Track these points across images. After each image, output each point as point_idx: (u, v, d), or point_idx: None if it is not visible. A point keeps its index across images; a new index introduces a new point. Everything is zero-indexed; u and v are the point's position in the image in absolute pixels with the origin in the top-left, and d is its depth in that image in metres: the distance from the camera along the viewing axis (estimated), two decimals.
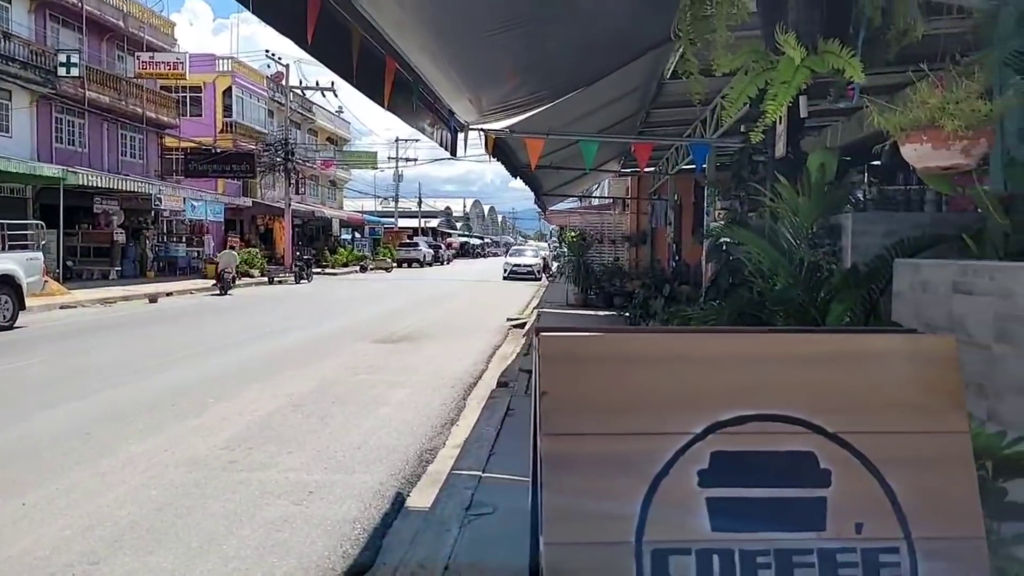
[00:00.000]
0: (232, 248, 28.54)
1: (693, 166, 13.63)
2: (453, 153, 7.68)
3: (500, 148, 9.22)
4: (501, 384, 8.85)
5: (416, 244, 52.13)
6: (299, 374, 9.56)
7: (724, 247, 7.41)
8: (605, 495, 1.34)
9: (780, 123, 7.22)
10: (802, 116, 4.91)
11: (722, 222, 9.50)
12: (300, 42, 3.43)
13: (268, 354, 11.26)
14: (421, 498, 5.17)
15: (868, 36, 3.92)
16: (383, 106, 4.81)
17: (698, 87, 3.89)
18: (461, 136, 7.64)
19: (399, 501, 5.14)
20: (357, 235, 52.64)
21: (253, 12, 3.03)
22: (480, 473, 5.44)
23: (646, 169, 17.25)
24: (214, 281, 23.71)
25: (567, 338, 1.40)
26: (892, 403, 1.38)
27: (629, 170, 18.34)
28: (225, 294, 22.98)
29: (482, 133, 8.07)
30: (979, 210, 4.64)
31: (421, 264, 49.39)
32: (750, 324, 4.20)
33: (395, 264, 46.33)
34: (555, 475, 1.34)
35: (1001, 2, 2.92)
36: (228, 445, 6.26)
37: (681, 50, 7.25)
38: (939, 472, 1.34)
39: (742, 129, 9.52)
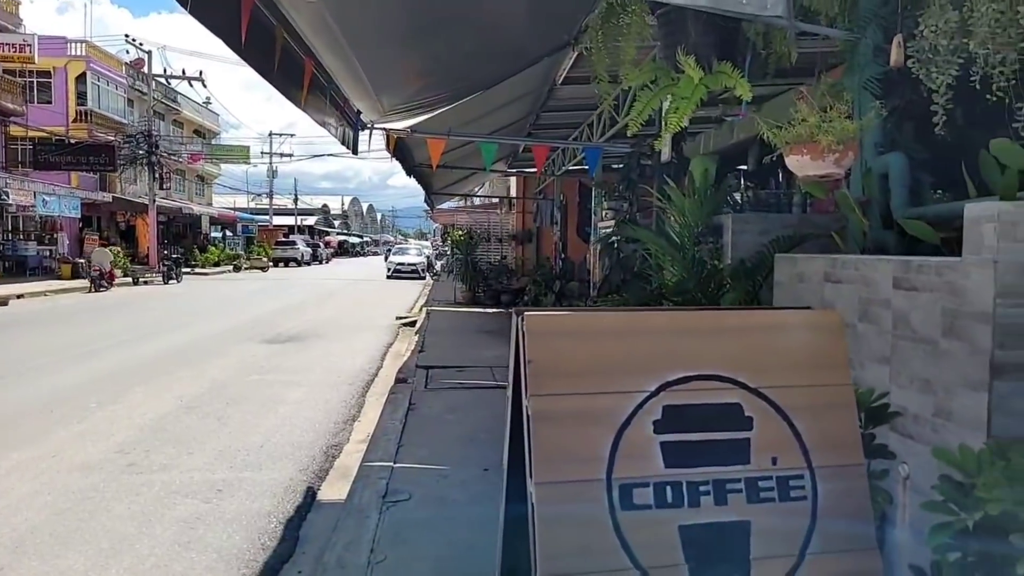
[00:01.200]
0: (103, 246, 26.71)
1: (578, 167, 14.31)
2: (354, 151, 7.75)
3: (398, 147, 9.35)
4: (400, 380, 8.98)
5: (293, 242, 50.38)
6: (187, 376, 9.24)
7: (615, 245, 7.94)
8: (581, 443, 1.63)
9: (665, 130, 7.86)
10: (684, 125, 5.44)
11: (610, 222, 10.12)
12: (233, 43, 3.48)
13: (149, 356, 10.75)
14: (333, 491, 5.29)
15: (751, 57, 4.47)
16: (299, 105, 4.88)
17: (607, 90, 4.26)
18: (363, 134, 7.72)
19: (311, 494, 5.23)
20: (229, 233, 50.31)
21: (190, 13, 3.08)
22: (392, 464, 5.61)
23: (532, 170, 17.82)
24: (88, 282, 22.93)
25: (548, 316, 1.69)
26: (796, 363, 1.76)
27: (515, 170, 18.83)
28: (99, 291, 22.46)
29: (384, 133, 8.17)
30: (839, 211, 5.34)
31: (299, 263, 47.70)
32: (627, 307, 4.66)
33: (271, 263, 44.52)
34: (541, 427, 1.61)
35: (860, 34, 3.47)
36: (122, 449, 6.05)
37: (573, 57, 7.73)
38: (831, 416, 1.73)
39: (628, 134, 10.18)
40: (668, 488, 1.64)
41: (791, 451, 1.71)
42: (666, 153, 7.80)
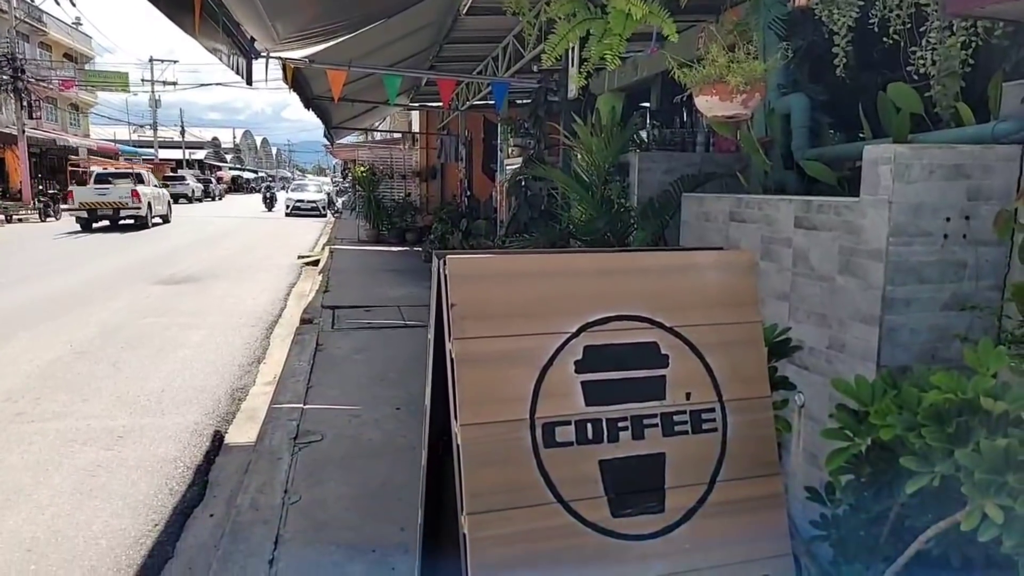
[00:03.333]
0: None
1: (483, 102, 14.08)
2: (248, 81, 7.29)
3: (295, 79, 8.87)
4: (305, 321, 8.78)
5: (182, 177, 47.48)
6: (74, 320, 8.69)
7: (523, 183, 7.92)
8: (504, 384, 1.64)
9: (572, 65, 7.80)
10: (616, 64, 5.44)
11: (517, 159, 10.07)
12: None
13: (31, 300, 10.00)
14: (241, 434, 5.18)
15: None
16: (191, 32, 4.51)
17: (529, 20, 4.14)
18: (257, 64, 7.27)
19: (218, 439, 5.10)
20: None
21: None
22: (301, 405, 5.53)
23: (436, 105, 17.38)
24: None
25: (469, 259, 1.66)
26: (709, 302, 1.83)
27: (417, 104, 18.31)
28: None
29: (280, 63, 7.71)
30: (741, 151, 5.51)
31: (190, 200, 44.92)
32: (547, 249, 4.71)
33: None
34: (465, 370, 1.61)
35: None
36: (9, 396, 5.69)
37: None
38: (741, 352, 1.82)
39: (534, 69, 10.05)
40: (589, 425, 1.69)
41: (703, 386, 1.78)
42: (573, 90, 7.76)
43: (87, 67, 46.27)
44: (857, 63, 3.43)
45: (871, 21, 3.02)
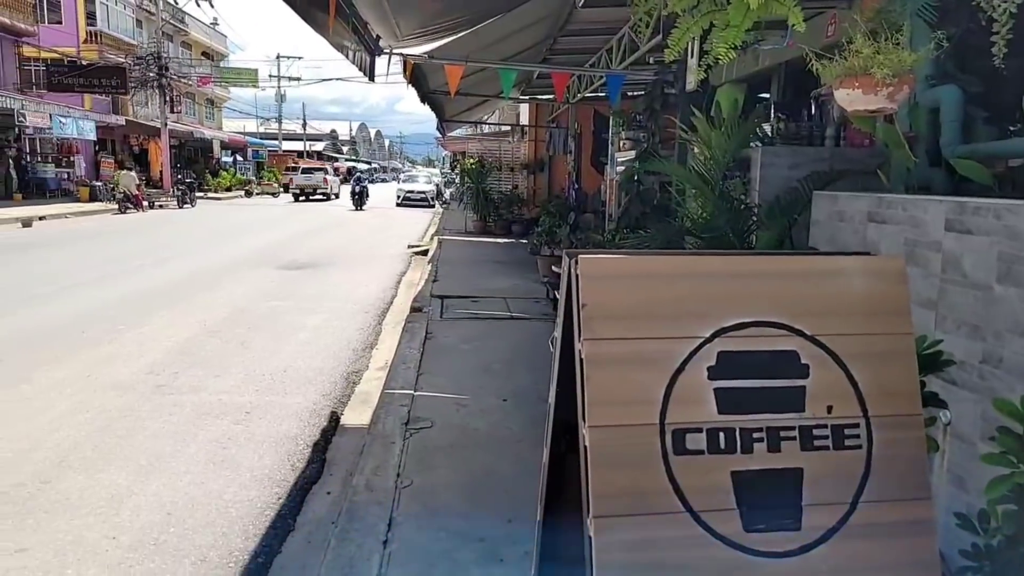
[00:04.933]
0: (123, 168, 26.74)
1: (594, 95, 13.93)
2: (371, 77, 7.53)
3: (414, 74, 9.09)
4: (415, 309, 9.01)
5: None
6: (208, 300, 9.32)
7: (636, 177, 7.78)
8: (634, 387, 1.60)
9: (691, 57, 7.56)
10: (732, 56, 5.24)
11: (629, 152, 9.91)
12: None
13: (170, 280, 10.84)
14: (356, 416, 5.38)
15: None
16: (324, 32, 4.71)
17: (648, 10, 4.04)
18: (379, 60, 7.49)
19: (335, 419, 5.32)
20: (239, 158, 49.82)
21: None
22: (412, 392, 5.68)
23: (545, 97, 17.37)
24: (116, 205, 23.68)
25: (602, 259, 1.63)
26: (854, 310, 1.71)
27: (527, 97, 18.34)
28: (125, 213, 23.30)
29: (401, 58, 7.92)
30: (874, 146, 5.18)
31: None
32: (678, 250, 4.58)
33: (293, 195, 41.42)
34: (594, 371, 1.59)
35: None
36: (152, 370, 6.17)
37: None
38: (890, 365, 1.69)
39: (650, 61, 9.84)
40: (721, 434, 1.62)
41: (847, 400, 1.68)
42: (692, 82, 7.54)
43: (222, 64, 49.35)
44: (1016, 49, 3.14)
45: None
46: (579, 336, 1.59)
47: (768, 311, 1.67)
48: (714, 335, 1.64)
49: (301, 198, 35.89)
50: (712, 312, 1.65)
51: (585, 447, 1.56)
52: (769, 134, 6.01)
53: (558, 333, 1.80)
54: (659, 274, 1.65)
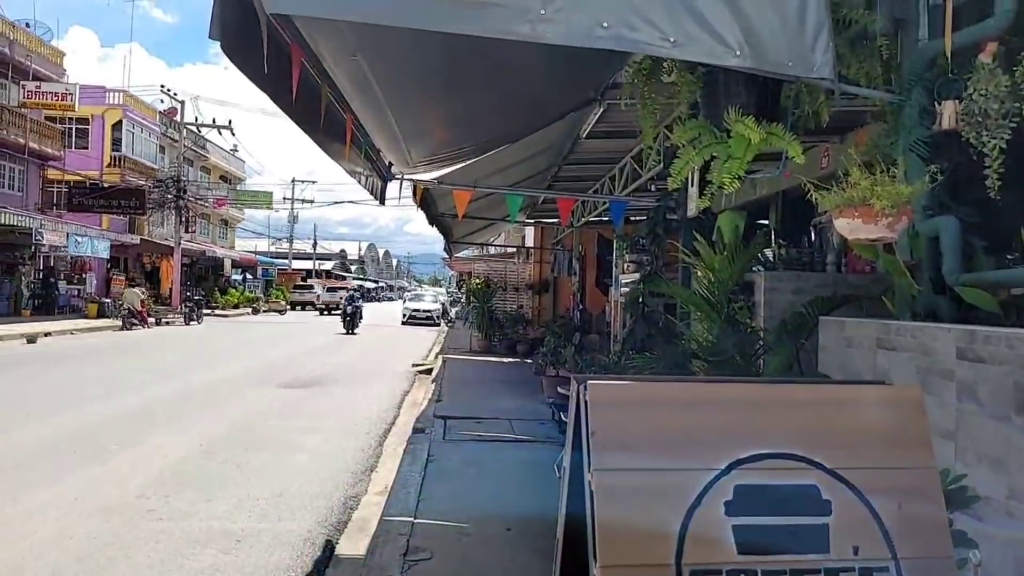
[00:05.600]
0: (130, 286, 27.23)
1: (597, 219, 14.33)
2: (381, 201, 7.79)
3: (423, 198, 9.40)
4: (417, 430, 8.82)
5: (311, 286, 50.78)
6: (206, 418, 9.18)
7: (640, 300, 7.84)
8: (648, 523, 1.52)
9: (692, 185, 7.82)
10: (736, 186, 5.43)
11: (633, 275, 10.05)
12: (285, 104, 3.53)
13: (169, 397, 10.72)
14: (352, 545, 5.12)
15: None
16: (340, 159, 4.92)
17: (651, 146, 4.23)
18: (391, 185, 7.77)
19: (329, 549, 5.07)
20: (249, 276, 50.74)
21: (252, 80, 3.12)
22: (411, 519, 5.45)
23: (551, 220, 17.87)
24: (120, 321, 24.05)
25: (612, 386, 1.60)
26: (874, 442, 1.65)
27: (533, 221, 18.86)
28: (130, 329, 23.45)
29: (411, 183, 8.22)
30: (874, 272, 5.23)
31: (315, 306, 47.84)
32: (682, 374, 4.54)
33: (288, 307, 44.78)
34: (605, 505, 1.51)
35: (906, 97, 3.42)
36: (142, 493, 5.96)
37: (599, 112, 7.77)
38: (916, 501, 1.62)
39: (651, 188, 10.18)
40: None
41: (873, 539, 1.58)
42: (693, 208, 7.76)
43: (239, 187, 51.30)
44: (1012, 183, 3.23)
45: None
46: (589, 466, 1.53)
47: (784, 442, 1.62)
48: (730, 467, 1.58)
49: (324, 312, 41.72)
50: (727, 442, 1.60)
51: None
52: (771, 259, 6.10)
53: (566, 462, 1.73)
54: (671, 401, 1.61)
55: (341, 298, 38.03)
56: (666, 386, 1.70)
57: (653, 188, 9.52)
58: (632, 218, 13.15)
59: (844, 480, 1.61)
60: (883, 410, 1.67)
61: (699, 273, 5.49)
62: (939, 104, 3.16)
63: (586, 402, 1.56)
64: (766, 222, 8.44)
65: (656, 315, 8.11)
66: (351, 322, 25.79)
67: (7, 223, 23.84)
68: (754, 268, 5.94)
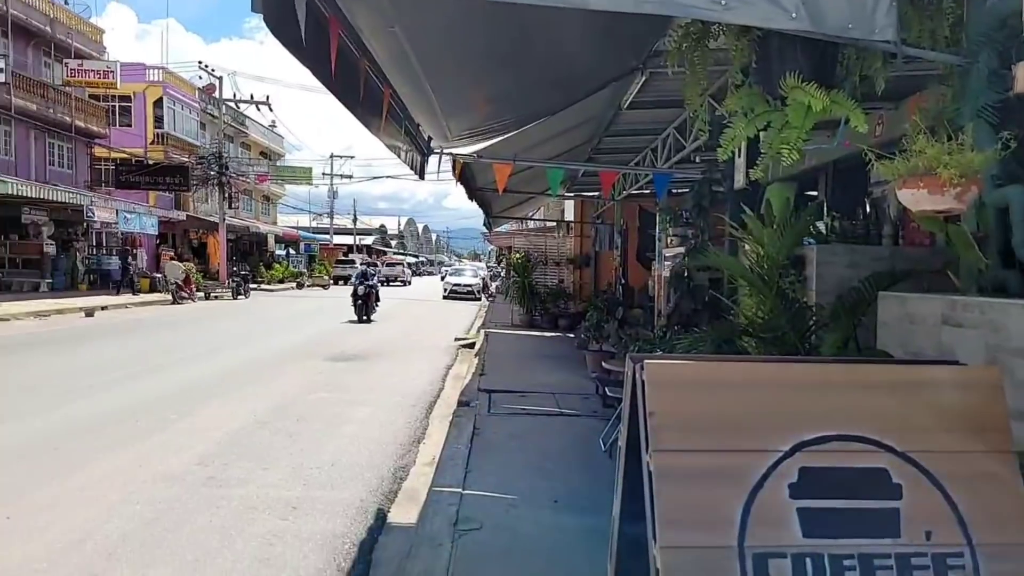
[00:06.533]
0: (173, 260, 27.96)
1: (639, 191, 14.12)
2: (421, 175, 7.78)
3: (463, 172, 9.37)
4: (462, 403, 8.90)
5: (353, 261, 51.36)
6: (257, 391, 9.41)
7: (686, 274, 7.72)
8: (710, 505, 1.50)
9: (739, 155, 7.63)
10: (795, 158, 5.26)
11: (678, 248, 9.90)
12: (324, 77, 3.53)
13: (222, 370, 11.02)
14: (402, 514, 5.22)
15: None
16: (377, 133, 4.91)
17: (703, 116, 4.11)
18: (431, 159, 7.75)
19: (381, 517, 5.18)
20: (292, 251, 51.59)
21: (293, 54, 3.11)
22: (460, 490, 5.52)
23: (591, 194, 17.68)
24: (169, 295, 24.69)
25: (670, 365, 1.57)
26: (949, 425, 1.59)
27: (573, 194, 18.68)
28: (180, 303, 24.05)
29: (451, 157, 8.19)
30: (933, 245, 5.04)
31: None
32: (731, 351, 4.45)
33: (331, 281, 45.22)
34: (665, 486, 1.49)
35: (973, 59, 3.25)
36: (202, 461, 6.17)
37: (641, 82, 7.60)
38: (993, 487, 1.56)
39: (696, 160, 9.96)
40: (808, 560, 1.49)
41: (947, 525, 1.53)
42: (741, 180, 7.57)
43: (278, 163, 52.00)
44: None
45: None
46: (647, 447, 1.51)
47: (853, 424, 1.57)
48: (794, 449, 1.54)
49: (340, 281, 42.59)
50: (790, 424, 1.56)
51: (657, 569, 1.44)
52: (823, 232, 5.93)
53: (622, 442, 1.71)
54: (733, 382, 1.57)
55: (400, 271, 52.38)
56: (727, 366, 1.66)
57: (697, 159, 9.31)
58: (674, 191, 12.93)
59: (916, 463, 1.56)
60: (959, 392, 1.60)
61: (747, 247, 5.36)
62: (1012, 67, 2.99)
63: (643, 381, 1.54)
64: (814, 193, 8.20)
65: (702, 290, 7.99)
66: (364, 307, 19.53)
67: (60, 200, 24.59)
68: (806, 241, 5.78)
